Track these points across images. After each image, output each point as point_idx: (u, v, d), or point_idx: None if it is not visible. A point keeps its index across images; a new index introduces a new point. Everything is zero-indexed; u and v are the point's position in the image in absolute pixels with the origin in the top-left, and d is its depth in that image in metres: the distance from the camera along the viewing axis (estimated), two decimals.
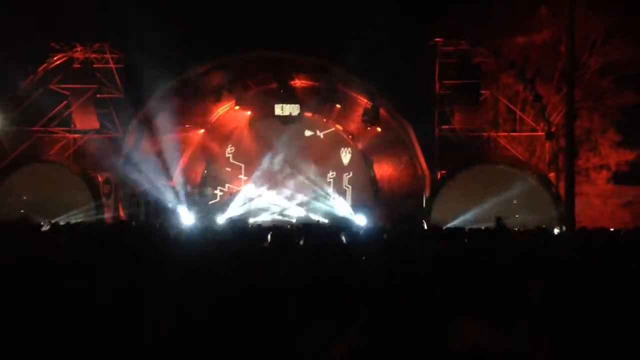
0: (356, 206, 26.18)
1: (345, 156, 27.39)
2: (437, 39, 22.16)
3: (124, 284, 4.36)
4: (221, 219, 24.09)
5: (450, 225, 19.01)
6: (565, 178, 18.23)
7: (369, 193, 27.00)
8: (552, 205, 20.58)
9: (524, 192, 20.85)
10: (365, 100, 24.52)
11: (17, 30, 23.14)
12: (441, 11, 23.78)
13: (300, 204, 26.30)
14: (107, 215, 21.75)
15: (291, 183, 26.61)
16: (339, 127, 27.43)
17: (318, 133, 27.33)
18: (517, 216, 20.65)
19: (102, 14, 23.43)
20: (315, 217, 24.63)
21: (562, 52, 22.23)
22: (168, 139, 25.19)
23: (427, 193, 22.71)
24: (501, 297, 4.40)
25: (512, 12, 24.01)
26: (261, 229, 12.22)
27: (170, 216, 23.00)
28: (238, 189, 27.01)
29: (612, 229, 16.22)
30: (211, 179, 27.47)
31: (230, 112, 27.01)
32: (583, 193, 23.63)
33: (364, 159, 27.13)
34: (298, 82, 25.53)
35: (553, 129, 22.12)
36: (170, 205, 24.40)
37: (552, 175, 21.79)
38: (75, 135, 22.97)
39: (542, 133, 22.43)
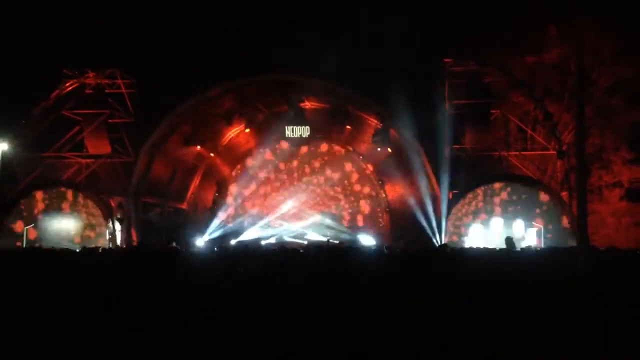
0: (365, 227, 26.41)
1: (356, 177, 27.44)
2: (446, 60, 22.19)
3: None
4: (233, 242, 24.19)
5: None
6: (577, 196, 18.25)
7: (381, 214, 27.03)
8: (566, 224, 20.45)
9: (537, 212, 20.76)
10: (376, 121, 24.51)
11: (29, 57, 23.44)
12: (450, 32, 23.85)
13: (311, 226, 26.40)
14: (120, 240, 21.80)
15: (301, 206, 26.70)
16: (350, 148, 27.46)
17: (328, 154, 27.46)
18: (529, 235, 20.63)
19: (114, 40, 23.74)
20: (325, 239, 24.50)
21: (571, 71, 22.25)
22: (179, 162, 25.33)
23: (438, 213, 22.57)
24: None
25: (521, 31, 24.00)
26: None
27: (183, 239, 23.01)
28: (249, 211, 27.13)
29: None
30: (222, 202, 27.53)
31: (240, 135, 27.11)
32: (596, 211, 23.44)
33: (375, 180, 27.17)
34: (308, 104, 25.59)
35: (564, 148, 21.97)
36: (182, 228, 24.49)
37: (564, 194, 21.63)
38: (88, 160, 23.09)
39: (554, 152, 22.30)
